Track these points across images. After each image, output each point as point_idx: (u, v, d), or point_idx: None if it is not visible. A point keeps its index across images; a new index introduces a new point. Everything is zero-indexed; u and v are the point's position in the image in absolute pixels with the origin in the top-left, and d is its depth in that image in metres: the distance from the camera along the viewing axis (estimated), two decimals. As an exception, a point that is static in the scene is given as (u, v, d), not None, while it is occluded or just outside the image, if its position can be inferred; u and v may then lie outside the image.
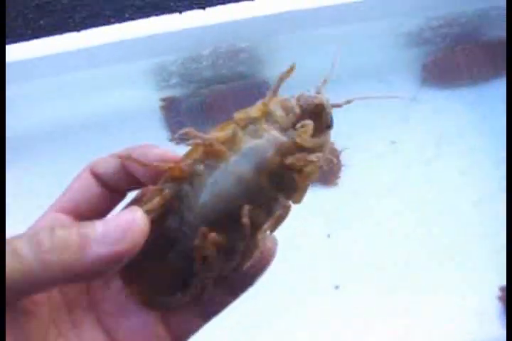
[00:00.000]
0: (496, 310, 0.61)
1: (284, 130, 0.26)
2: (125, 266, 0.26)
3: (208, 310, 0.28)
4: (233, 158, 0.26)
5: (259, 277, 0.28)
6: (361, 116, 0.64)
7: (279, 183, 0.26)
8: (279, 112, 0.27)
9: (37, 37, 0.56)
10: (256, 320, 0.59)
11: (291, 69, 0.27)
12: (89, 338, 0.27)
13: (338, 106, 0.28)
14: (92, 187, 0.27)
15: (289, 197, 0.27)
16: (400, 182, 0.64)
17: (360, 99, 0.28)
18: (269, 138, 0.26)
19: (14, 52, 0.56)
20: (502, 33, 0.65)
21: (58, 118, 0.62)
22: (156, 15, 0.58)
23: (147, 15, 0.59)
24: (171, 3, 0.61)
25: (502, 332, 0.59)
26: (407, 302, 0.61)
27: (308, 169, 0.26)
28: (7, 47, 0.55)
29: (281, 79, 0.27)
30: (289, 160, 0.26)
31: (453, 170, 0.65)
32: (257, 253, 0.26)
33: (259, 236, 0.26)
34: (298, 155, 0.26)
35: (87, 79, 0.60)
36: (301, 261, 0.61)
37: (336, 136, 0.67)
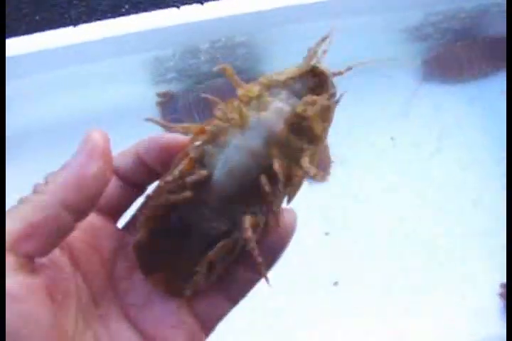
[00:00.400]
0: (496, 307, 0.60)
1: (288, 100, 0.26)
2: (143, 256, 0.27)
3: (234, 291, 0.28)
4: (241, 133, 0.26)
5: (282, 253, 0.28)
6: (361, 112, 0.63)
7: (290, 154, 0.26)
8: (280, 83, 0.26)
9: (32, 32, 0.56)
10: (254, 318, 0.58)
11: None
12: (117, 330, 0.27)
13: (340, 73, 0.27)
14: (111, 183, 0.27)
15: (300, 167, 0.26)
16: (400, 179, 0.64)
17: (362, 65, 0.28)
18: (274, 110, 0.26)
19: (9, 47, 0.55)
20: (502, 28, 0.65)
21: (54, 114, 0.62)
22: (152, 9, 0.57)
23: (144, 9, 0.58)
24: (168, -2, 0.60)
25: (503, 330, 0.59)
26: (406, 300, 0.60)
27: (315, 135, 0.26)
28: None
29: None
30: (300, 108, 0.26)
31: (453, 165, 0.65)
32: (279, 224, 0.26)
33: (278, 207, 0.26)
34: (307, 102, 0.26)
35: (83, 74, 0.59)
36: (299, 258, 0.60)
37: (335, 132, 0.67)
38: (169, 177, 0.26)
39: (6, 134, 0.53)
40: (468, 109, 0.66)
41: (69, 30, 0.56)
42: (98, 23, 0.56)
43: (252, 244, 0.26)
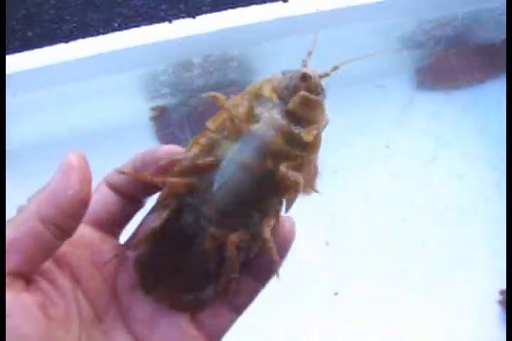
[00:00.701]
0: (496, 314, 0.60)
1: (278, 108, 0.26)
2: (144, 272, 0.28)
3: (238, 302, 0.29)
4: (235, 147, 0.26)
5: (283, 260, 0.28)
6: (355, 120, 0.63)
7: (285, 163, 0.26)
8: (267, 92, 0.27)
9: (24, 48, 0.56)
10: (254, 326, 0.58)
11: None
12: None
13: (326, 75, 0.28)
14: (110, 198, 0.28)
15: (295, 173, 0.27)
16: (397, 187, 0.64)
17: (346, 63, 0.28)
18: (266, 120, 0.26)
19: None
20: (495, 34, 0.65)
21: (47, 131, 0.61)
22: (145, 24, 0.57)
23: (136, 24, 0.58)
24: (160, 13, 0.60)
25: (503, 337, 0.59)
26: (406, 308, 0.60)
27: (310, 137, 0.26)
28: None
29: None
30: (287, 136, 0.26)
31: (450, 173, 0.65)
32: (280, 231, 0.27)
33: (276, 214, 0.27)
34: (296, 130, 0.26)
35: (76, 91, 0.59)
36: (300, 267, 0.60)
37: (330, 140, 0.67)
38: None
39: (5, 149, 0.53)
40: (463, 117, 0.66)
41: (61, 46, 0.56)
42: (90, 39, 0.56)
43: (233, 262, 0.27)
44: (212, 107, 0.61)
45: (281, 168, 0.26)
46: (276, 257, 0.26)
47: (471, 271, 0.62)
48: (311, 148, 0.27)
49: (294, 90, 0.26)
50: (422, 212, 0.63)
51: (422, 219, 0.63)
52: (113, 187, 0.29)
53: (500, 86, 0.66)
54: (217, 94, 0.28)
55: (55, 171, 0.25)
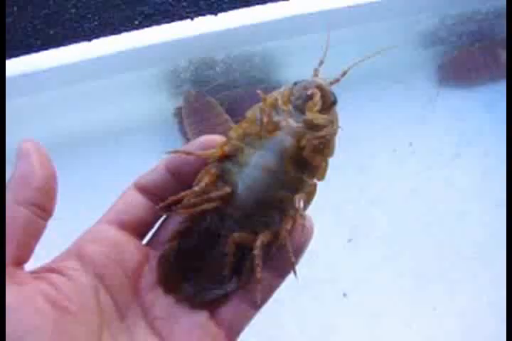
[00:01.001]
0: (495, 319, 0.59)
1: (294, 117, 0.29)
2: (166, 270, 0.29)
3: (258, 296, 0.29)
4: (258, 153, 0.28)
5: (301, 255, 0.30)
6: (378, 118, 0.63)
7: (303, 165, 0.29)
8: (282, 103, 0.29)
9: (47, 47, 0.56)
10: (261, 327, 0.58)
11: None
12: None
13: (337, 81, 0.30)
14: (137, 201, 0.29)
15: (313, 176, 0.29)
16: (421, 184, 0.63)
17: (353, 67, 0.29)
18: (284, 128, 0.28)
19: (25, 63, 0.55)
20: (518, 29, 0.64)
21: (71, 129, 0.62)
22: (166, 22, 0.57)
23: (157, 22, 0.58)
24: (181, 10, 0.60)
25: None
26: (432, 309, 0.59)
27: (320, 145, 0.28)
28: (18, 59, 0.55)
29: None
30: (303, 142, 0.28)
31: (474, 171, 0.64)
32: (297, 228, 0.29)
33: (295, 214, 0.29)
34: (308, 136, 0.28)
35: (99, 88, 0.60)
36: (318, 266, 0.60)
37: (353, 138, 0.66)
38: (195, 189, 0.28)
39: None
40: (486, 114, 0.65)
41: (83, 45, 0.56)
42: (112, 37, 0.56)
43: (258, 260, 0.28)
44: (238, 104, 0.61)
45: (306, 174, 0.29)
46: (291, 255, 0.28)
47: (497, 269, 0.61)
48: (327, 149, 0.29)
49: (307, 100, 0.28)
50: (447, 209, 0.63)
51: (446, 215, 0.62)
52: (142, 189, 0.30)
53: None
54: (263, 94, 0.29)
55: (17, 160, 0.26)
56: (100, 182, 0.59)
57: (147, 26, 0.57)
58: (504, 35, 0.64)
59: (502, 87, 0.66)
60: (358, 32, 0.60)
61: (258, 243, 0.28)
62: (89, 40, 0.55)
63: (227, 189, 0.28)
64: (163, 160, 0.30)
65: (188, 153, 0.29)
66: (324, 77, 0.30)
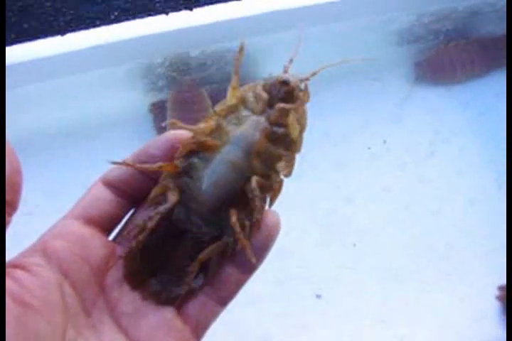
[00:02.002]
0: (495, 310, 0.60)
1: (262, 112, 0.29)
2: (132, 266, 0.29)
3: (224, 293, 0.30)
4: (224, 148, 0.28)
5: (267, 252, 0.29)
6: (353, 115, 0.63)
7: (269, 161, 0.29)
8: (251, 98, 0.29)
9: (21, 41, 0.55)
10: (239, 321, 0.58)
11: (242, 48, 0.30)
12: (109, 338, 0.28)
13: (307, 79, 0.30)
14: (104, 196, 0.29)
15: (279, 172, 0.29)
16: (394, 183, 0.63)
17: (325, 68, 0.30)
18: (251, 123, 0.28)
19: (-3, 56, 0.55)
20: (495, 28, 0.64)
21: (44, 125, 0.61)
22: (142, 17, 0.57)
23: (133, 17, 0.58)
24: (157, 5, 0.60)
25: (502, 333, 0.58)
26: (405, 306, 0.60)
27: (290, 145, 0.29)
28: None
29: (237, 60, 0.30)
30: (268, 134, 0.28)
31: (448, 168, 0.64)
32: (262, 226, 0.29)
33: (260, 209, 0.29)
34: (274, 128, 0.28)
35: (72, 83, 0.59)
36: (291, 264, 0.60)
37: (328, 135, 0.66)
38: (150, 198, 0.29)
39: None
40: (461, 112, 0.65)
41: (57, 39, 0.56)
42: (87, 31, 0.56)
43: (245, 242, 0.28)
44: (211, 99, 0.61)
45: (272, 170, 0.29)
46: (248, 252, 0.28)
47: (470, 266, 0.62)
48: (294, 145, 0.29)
49: (276, 95, 0.29)
50: (420, 207, 0.63)
51: (420, 213, 0.63)
52: (109, 185, 0.29)
53: (499, 81, 0.66)
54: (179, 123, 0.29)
55: None
56: (73, 178, 0.59)
57: (123, 21, 0.57)
58: (480, 33, 0.64)
59: (478, 85, 0.66)
60: (334, 29, 0.60)
61: (237, 229, 0.28)
62: (63, 34, 0.55)
63: (174, 198, 0.28)
64: (129, 156, 0.29)
65: (130, 165, 0.29)
66: (296, 73, 0.29)
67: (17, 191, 0.26)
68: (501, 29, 0.64)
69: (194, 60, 0.59)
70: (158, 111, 0.63)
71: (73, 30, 0.57)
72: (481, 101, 0.66)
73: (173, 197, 0.28)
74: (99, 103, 0.62)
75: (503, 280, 0.60)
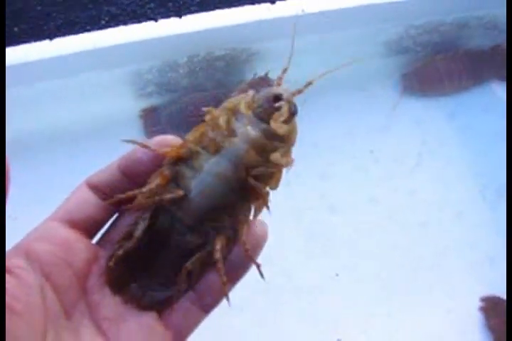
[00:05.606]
0: (477, 322, 0.60)
1: (254, 124, 0.28)
2: (115, 271, 0.29)
3: (208, 301, 0.30)
4: (213, 160, 0.28)
5: (252, 262, 0.29)
6: (340, 125, 0.63)
7: (257, 174, 0.28)
8: (244, 109, 0.28)
9: (10, 44, 0.56)
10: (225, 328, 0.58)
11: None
12: None
13: (300, 91, 0.29)
14: (89, 199, 0.29)
15: (266, 184, 0.29)
16: (380, 193, 0.63)
17: (320, 78, 0.29)
18: (241, 135, 0.28)
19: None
20: (483, 42, 0.65)
21: (30, 128, 0.61)
22: (132, 23, 0.57)
23: (123, 22, 0.58)
24: (148, 11, 0.60)
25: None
26: (387, 317, 0.60)
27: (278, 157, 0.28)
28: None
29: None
30: (256, 171, 0.28)
31: (434, 180, 0.64)
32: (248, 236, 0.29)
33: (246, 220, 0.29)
34: (263, 162, 0.28)
35: (61, 88, 0.59)
36: (276, 272, 0.60)
37: (315, 144, 0.66)
38: (144, 189, 0.28)
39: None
40: (448, 123, 0.66)
41: (45, 43, 0.56)
42: (76, 36, 0.56)
43: (220, 265, 0.28)
44: (200, 105, 0.61)
45: (251, 180, 0.28)
46: (223, 281, 0.28)
47: (453, 278, 0.62)
48: (282, 161, 0.29)
49: (268, 108, 0.28)
50: (406, 217, 0.63)
51: (406, 223, 0.63)
52: (93, 188, 0.29)
53: (486, 93, 0.66)
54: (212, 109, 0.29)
55: None
56: (60, 183, 0.59)
57: (113, 26, 0.57)
58: (468, 46, 0.65)
59: (465, 98, 0.67)
60: (322, 40, 0.60)
61: (217, 247, 0.28)
62: (52, 38, 0.55)
63: (180, 192, 0.28)
64: (116, 159, 0.29)
65: (144, 146, 0.28)
66: (286, 85, 0.30)
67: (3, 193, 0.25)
68: (489, 42, 0.65)
69: (182, 66, 0.59)
70: (148, 116, 0.63)
71: (63, 34, 0.57)
72: (467, 113, 0.66)
73: (179, 191, 0.28)
74: (87, 108, 0.62)
75: (487, 292, 0.60)
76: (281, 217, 0.60)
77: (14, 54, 0.56)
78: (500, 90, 0.66)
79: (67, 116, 0.62)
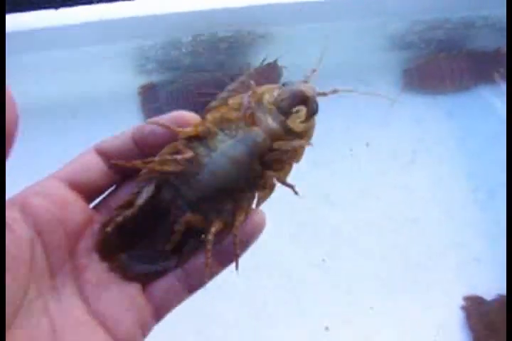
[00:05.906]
0: (459, 320, 0.60)
1: (275, 117, 0.29)
2: (104, 240, 0.29)
3: (193, 281, 0.29)
4: (229, 142, 0.28)
5: (247, 248, 0.30)
6: (338, 116, 0.63)
7: (269, 164, 0.29)
8: (269, 101, 0.29)
9: (13, 11, 0.55)
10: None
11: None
12: (68, 304, 0.28)
13: (324, 94, 0.30)
14: (95, 164, 0.29)
15: (275, 176, 0.30)
16: (373, 186, 0.63)
17: (345, 92, 0.30)
18: (262, 126, 0.28)
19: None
20: (488, 42, 0.65)
21: (28, 99, 0.61)
22: (140, -3, 0.57)
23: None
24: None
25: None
26: (369, 309, 0.60)
27: (292, 153, 0.29)
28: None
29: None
30: (277, 145, 0.29)
31: (427, 178, 0.65)
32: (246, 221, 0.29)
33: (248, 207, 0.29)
34: (283, 142, 0.29)
35: (62, 58, 0.59)
36: (264, 259, 0.60)
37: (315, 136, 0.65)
38: (157, 158, 0.28)
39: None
40: (445, 122, 0.66)
41: (51, 12, 0.55)
42: (82, 7, 0.56)
43: (209, 246, 0.28)
44: (201, 86, 0.61)
45: (269, 173, 0.29)
46: (237, 247, 0.29)
47: (439, 276, 0.62)
48: (296, 154, 0.30)
49: (289, 106, 0.29)
50: (396, 212, 0.63)
51: (395, 218, 0.63)
52: (102, 153, 0.29)
53: (486, 95, 0.67)
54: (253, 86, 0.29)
55: None
56: (54, 157, 0.58)
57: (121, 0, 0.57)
58: (472, 46, 0.65)
59: (464, 97, 0.67)
60: (325, 28, 0.60)
61: (212, 229, 0.28)
62: (57, 8, 0.55)
63: (190, 153, 0.28)
64: (130, 129, 0.29)
65: (164, 126, 0.28)
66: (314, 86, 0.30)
67: (10, 143, 0.24)
68: (493, 44, 0.65)
69: (185, 45, 0.59)
70: (147, 93, 0.63)
71: (70, 5, 0.56)
72: (466, 113, 0.66)
73: (189, 153, 0.28)
74: (87, 80, 0.61)
75: (471, 291, 0.60)
76: (271, 205, 0.59)
77: (21, 19, 0.56)
78: (500, 92, 0.66)
79: (66, 88, 0.61)
